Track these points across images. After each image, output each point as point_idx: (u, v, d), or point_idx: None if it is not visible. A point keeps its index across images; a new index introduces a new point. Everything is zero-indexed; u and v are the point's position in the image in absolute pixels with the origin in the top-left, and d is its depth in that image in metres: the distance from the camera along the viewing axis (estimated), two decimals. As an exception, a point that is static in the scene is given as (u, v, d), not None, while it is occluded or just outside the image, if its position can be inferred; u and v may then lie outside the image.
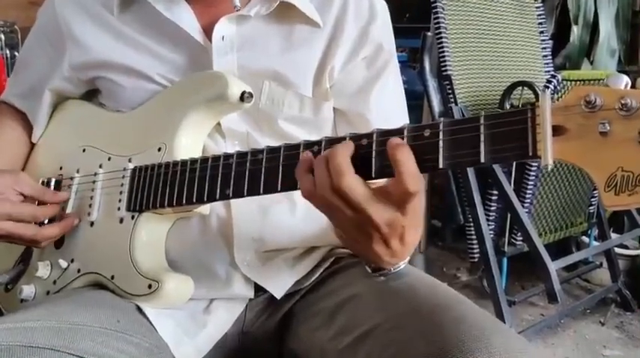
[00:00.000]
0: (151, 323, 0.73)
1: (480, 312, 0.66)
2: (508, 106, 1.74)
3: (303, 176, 0.59)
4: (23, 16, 2.06)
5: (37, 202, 0.81)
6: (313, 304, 0.80)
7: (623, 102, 0.44)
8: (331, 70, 0.82)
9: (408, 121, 0.89)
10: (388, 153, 0.54)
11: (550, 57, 2.10)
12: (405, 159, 0.54)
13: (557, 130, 0.48)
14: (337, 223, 0.60)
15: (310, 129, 0.83)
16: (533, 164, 1.70)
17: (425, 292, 0.71)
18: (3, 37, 1.96)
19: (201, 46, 0.80)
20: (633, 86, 0.45)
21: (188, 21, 0.80)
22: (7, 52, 1.95)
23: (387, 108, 0.86)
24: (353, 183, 0.55)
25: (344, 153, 0.56)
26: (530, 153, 0.49)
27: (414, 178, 0.54)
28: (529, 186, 1.73)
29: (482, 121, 0.51)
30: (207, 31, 0.80)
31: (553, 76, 1.66)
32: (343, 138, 0.59)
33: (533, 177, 1.73)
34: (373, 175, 0.57)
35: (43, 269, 0.82)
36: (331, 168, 0.56)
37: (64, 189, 0.85)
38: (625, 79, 0.45)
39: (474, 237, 1.76)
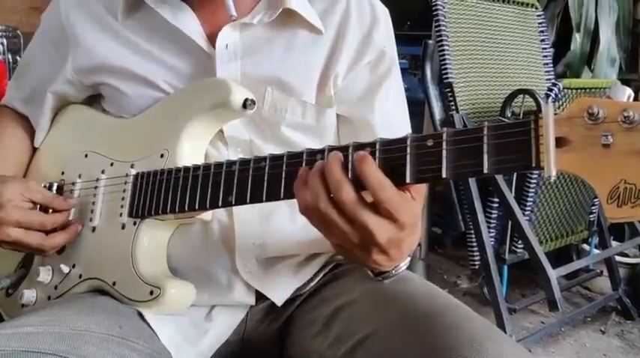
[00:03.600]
0: (152, 329, 0.73)
1: (475, 318, 0.66)
2: (509, 114, 1.74)
3: (301, 190, 0.59)
4: (25, 21, 2.07)
5: (40, 208, 0.80)
6: (311, 311, 0.80)
7: (625, 114, 0.44)
8: (336, 76, 0.82)
9: (409, 126, 0.90)
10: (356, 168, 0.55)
11: (551, 65, 2.10)
12: (369, 171, 0.55)
13: (560, 141, 0.48)
14: (336, 240, 0.59)
15: (312, 136, 0.83)
16: (535, 172, 1.70)
17: (421, 298, 0.71)
18: (5, 42, 1.96)
19: (206, 53, 0.80)
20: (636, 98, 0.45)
21: (193, 27, 0.80)
22: (10, 57, 1.95)
23: (390, 114, 0.86)
24: (351, 195, 0.55)
25: (337, 167, 0.56)
26: (534, 165, 0.49)
27: (380, 187, 0.54)
28: (530, 194, 1.73)
29: (485, 132, 0.51)
30: (212, 38, 0.80)
31: (554, 84, 1.66)
32: (346, 147, 0.59)
33: (534, 185, 1.73)
34: None
35: (44, 274, 0.82)
36: (329, 182, 0.56)
37: (66, 194, 0.85)
38: (628, 91, 0.45)
39: (474, 244, 1.76)
